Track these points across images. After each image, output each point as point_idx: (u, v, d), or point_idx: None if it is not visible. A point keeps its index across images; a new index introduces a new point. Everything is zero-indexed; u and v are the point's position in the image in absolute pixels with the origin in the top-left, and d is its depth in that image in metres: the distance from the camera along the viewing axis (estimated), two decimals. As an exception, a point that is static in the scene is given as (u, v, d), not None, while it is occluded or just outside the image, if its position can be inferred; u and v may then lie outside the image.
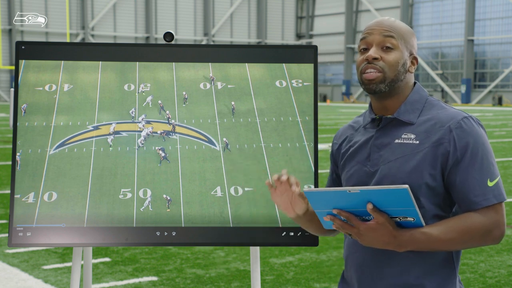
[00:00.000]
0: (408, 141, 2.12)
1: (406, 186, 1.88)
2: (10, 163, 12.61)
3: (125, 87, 3.22)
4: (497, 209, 2.04)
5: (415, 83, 2.24)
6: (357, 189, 1.92)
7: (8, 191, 9.62)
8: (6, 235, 7.22)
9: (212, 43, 53.62)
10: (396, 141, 2.14)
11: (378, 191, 1.90)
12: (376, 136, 2.19)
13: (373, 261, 2.16)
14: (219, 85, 3.22)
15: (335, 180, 2.41)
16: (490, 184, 2.05)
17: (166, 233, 3.05)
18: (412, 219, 1.98)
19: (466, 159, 2.05)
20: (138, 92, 3.22)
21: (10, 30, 47.98)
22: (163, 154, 3.14)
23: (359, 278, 2.20)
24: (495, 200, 2.04)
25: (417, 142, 2.11)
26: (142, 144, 3.15)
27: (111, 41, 50.18)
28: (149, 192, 3.09)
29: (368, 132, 2.23)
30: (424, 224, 2.00)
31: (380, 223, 1.96)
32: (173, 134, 3.17)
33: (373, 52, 2.14)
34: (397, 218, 1.98)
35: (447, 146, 2.07)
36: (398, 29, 2.17)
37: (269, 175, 3.09)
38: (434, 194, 2.09)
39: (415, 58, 2.21)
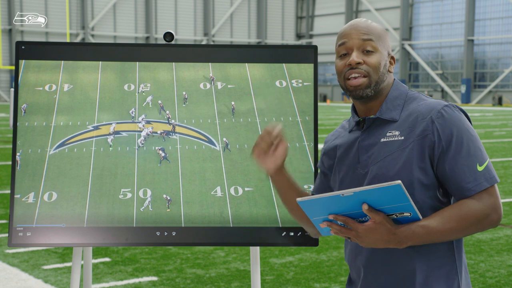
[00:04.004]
0: (393, 139, 2.12)
1: (399, 181, 1.87)
2: (10, 163, 12.61)
3: (125, 87, 3.22)
4: (490, 192, 2.04)
5: (394, 79, 2.24)
6: (350, 191, 1.90)
7: (8, 191, 9.62)
8: (6, 235, 7.22)
9: (212, 43, 53.63)
10: (382, 140, 2.14)
11: (372, 190, 1.89)
12: (362, 138, 2.19)
13: (378, 262, 2.15)
14: (219, 85, 3.23)
15: (323, 181, 2.39)
16: (480, 168, 2.04)
17: (166, 233, 3.05)
18: (409, 214, 1.97)
19: (452, 147, 2.05)
20: (138, 92, 3.22)
21: (10, 30, 47.98)
22: (163, 154, 3.14)
23: (365, 280, 2.19)
24: (487, 183, 2.03)
25: (402, 138, 2.10)
26: (142, 144, 3.15)
27: (111, 41, 50.18)
28: (149, 192, 3.09)
29: (354, 135, 2.23)
30: (421, 217, 1.99)
31: (378, 222, 1.94)
32: (173, 134, 3.17)
33: (355, 57, 2.12)
34: (393, 215, 1.97)
35: (431, 137, 2.06)
36: (374, 31, 2.16)
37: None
38: (428, 187, 2.08)
39: (393, 58, 2.22)
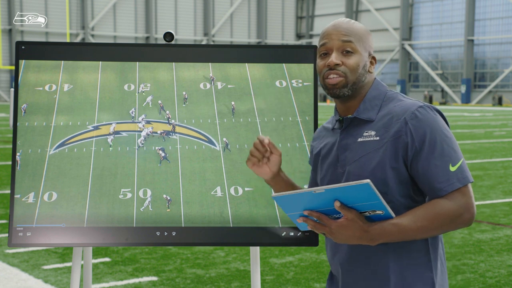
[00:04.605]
0: (369, 139, 2.16)
1: (368, 180, 1.91)
2: (10, 163, 12.61)
3: (125, 87, 3.22)
4: (463, 192, 2.07)
5: (374, 79, 2.27)
6: (321, 188, 1.95)
7: (8, 191, 9.62)
8: (6, 235, 7.22)
9: (212, 43, 53.62)
10: (359, 139, 2.19)
11: (342, 188, 1.94)
12: (341, 137, 2.24)
13: (354, 259, 2.19)
14: (219, 85, 3.23)
15: (314, 177, 2.43)
16: (452, 169, 2.07)
17: (166, 233, 3.05)
18: (381, 212, 2.01)
19: (425, 148, 2.08)
20: (138, 92, 3.22)
21: (10, 30, 47.99)
22: (163, 154, 3.14)
23: (343, 277, 2.24)
24: (459, 184, 2.06)
25: (377, 138, 2.15)
26: (142, 144, 3.15)
27: (111, 41, 50.17)
28: (149, 192, 3.09)
29: (336, 134, 2.28)
30: (393, 215, 2.03)
31: (349, 219, 1.99)
32: (173, 134, 3.17)
33: (334, 58, 2.17)
34: (366, 213, 2.01)
35: (404, 138, 2.10)
36: (355, 32, 2.20)
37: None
38: (402, 187, 2.12)
39: (374, 58, 2.25)
